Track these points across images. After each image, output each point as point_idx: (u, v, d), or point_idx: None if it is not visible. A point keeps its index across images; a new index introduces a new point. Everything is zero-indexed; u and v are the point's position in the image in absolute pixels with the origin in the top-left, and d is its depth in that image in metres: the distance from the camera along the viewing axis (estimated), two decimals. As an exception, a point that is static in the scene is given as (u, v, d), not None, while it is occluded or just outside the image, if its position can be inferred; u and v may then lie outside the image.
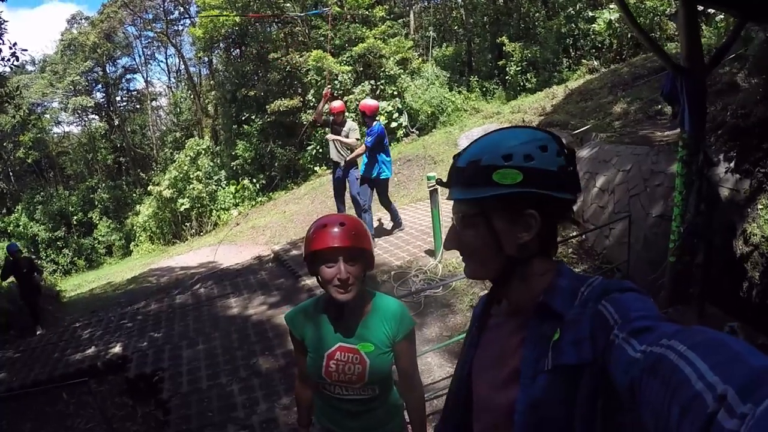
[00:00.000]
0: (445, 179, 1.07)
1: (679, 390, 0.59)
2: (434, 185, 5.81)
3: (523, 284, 1.01)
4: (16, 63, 9.43)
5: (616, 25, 15.37)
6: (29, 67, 32.31)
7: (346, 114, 7.65)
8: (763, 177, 3.99)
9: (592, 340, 0.84)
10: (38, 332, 7.80)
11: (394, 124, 17.27)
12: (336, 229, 1.62)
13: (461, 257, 1.07)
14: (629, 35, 15.21)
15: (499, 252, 0.99)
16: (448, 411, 1.24)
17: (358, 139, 6.98)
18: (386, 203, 7.15)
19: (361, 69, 18.43)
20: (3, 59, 9.12)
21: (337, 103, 7.09)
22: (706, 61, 3.31)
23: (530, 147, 0.94)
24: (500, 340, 1.08)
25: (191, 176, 17.54)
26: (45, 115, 28.30)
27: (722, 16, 10.63)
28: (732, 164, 4.20)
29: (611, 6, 16.23)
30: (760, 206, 3.89)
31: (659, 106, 8.19)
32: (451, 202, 1.06)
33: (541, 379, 0.90)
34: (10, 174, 24.43)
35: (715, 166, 4.18)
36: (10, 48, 9.06)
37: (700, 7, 4.51)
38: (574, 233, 5.88)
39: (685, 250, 3.22)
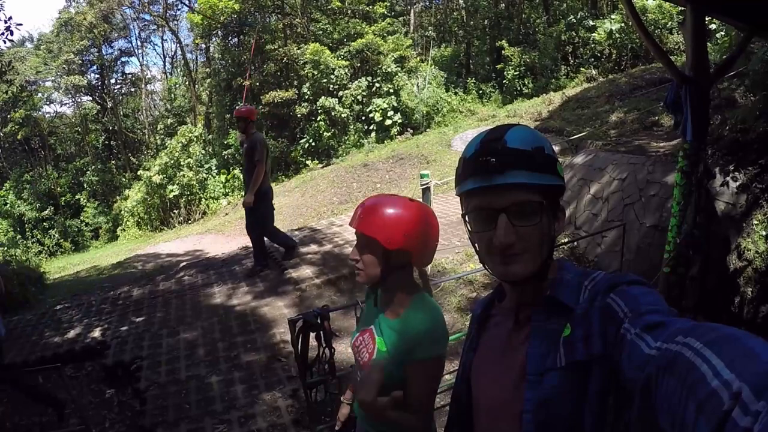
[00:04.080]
0: (451, 171, 1.03)
1: (695, 387, 0.59)
2: (428, 183, 5.71)
3: (542, 280, 1.01)
4: (11, 38, 9.14)
5: (617, 35, 15.46)
6: (28, 44, 31.78)
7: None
8: (760, 192, 3.97)
9: (602, 335, 0.84)
10: None
11: (388, 122, 17.24)
12: (360, 209, 1.52)
13: (505, 257, 0.96)
14: (629, 46, 15.30)
15: (550, 243, 0.99)
16: (453, 414, 1.23)
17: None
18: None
19: (359, 65, 18.36)
20: None
21: (245, 108, 6.09)
22: (710, 72, 3.27)
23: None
24: (501, 339, 1.07)
25: (182, 163, 17.33)
26: (38, 94, 27.84)
27: (723, 33, 10.71)
28: (729, 178, 4.18)
29: (612, 16, 16.32)
30: (755, 221, 3.86)
31: (656, 117, 8.19)
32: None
33: (551, 376, 0.89)
34: (0, 150, 23.93)
35: (712, 178, 4.16)
36: (5, 22, 8.80)
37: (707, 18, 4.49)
38: (566, 239, 5.85)
39: (681, 261, 3.18)
